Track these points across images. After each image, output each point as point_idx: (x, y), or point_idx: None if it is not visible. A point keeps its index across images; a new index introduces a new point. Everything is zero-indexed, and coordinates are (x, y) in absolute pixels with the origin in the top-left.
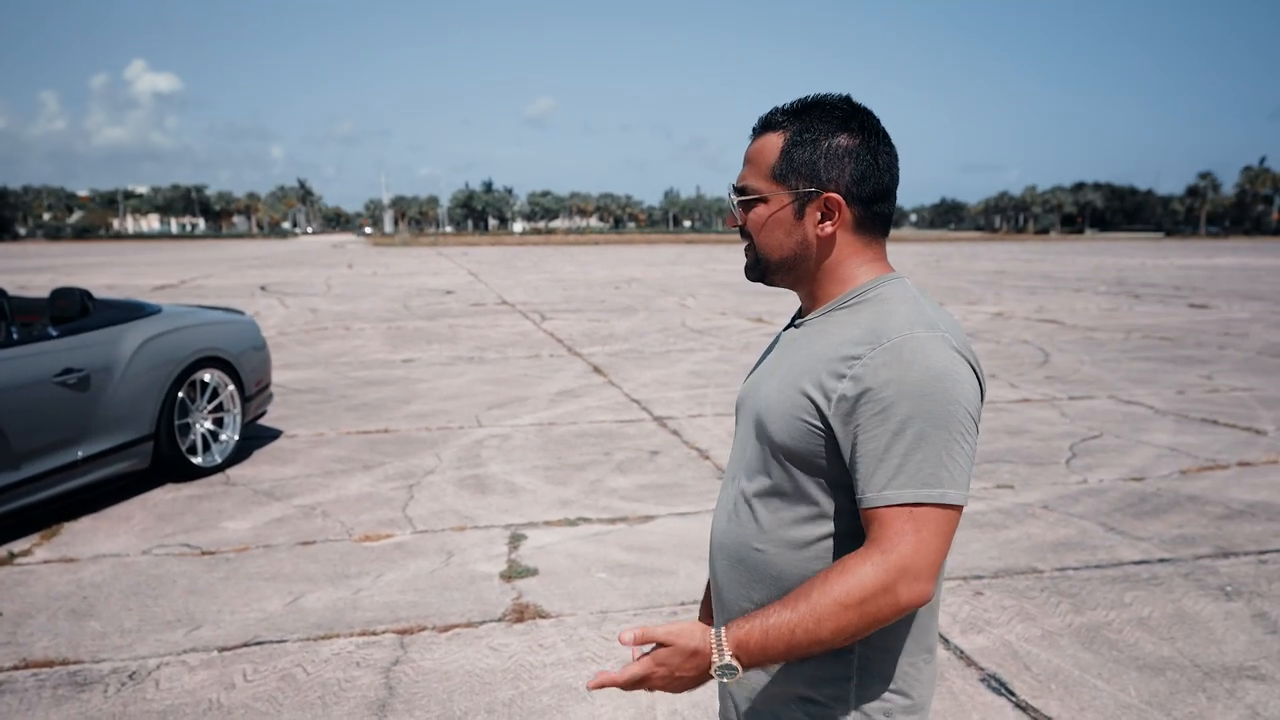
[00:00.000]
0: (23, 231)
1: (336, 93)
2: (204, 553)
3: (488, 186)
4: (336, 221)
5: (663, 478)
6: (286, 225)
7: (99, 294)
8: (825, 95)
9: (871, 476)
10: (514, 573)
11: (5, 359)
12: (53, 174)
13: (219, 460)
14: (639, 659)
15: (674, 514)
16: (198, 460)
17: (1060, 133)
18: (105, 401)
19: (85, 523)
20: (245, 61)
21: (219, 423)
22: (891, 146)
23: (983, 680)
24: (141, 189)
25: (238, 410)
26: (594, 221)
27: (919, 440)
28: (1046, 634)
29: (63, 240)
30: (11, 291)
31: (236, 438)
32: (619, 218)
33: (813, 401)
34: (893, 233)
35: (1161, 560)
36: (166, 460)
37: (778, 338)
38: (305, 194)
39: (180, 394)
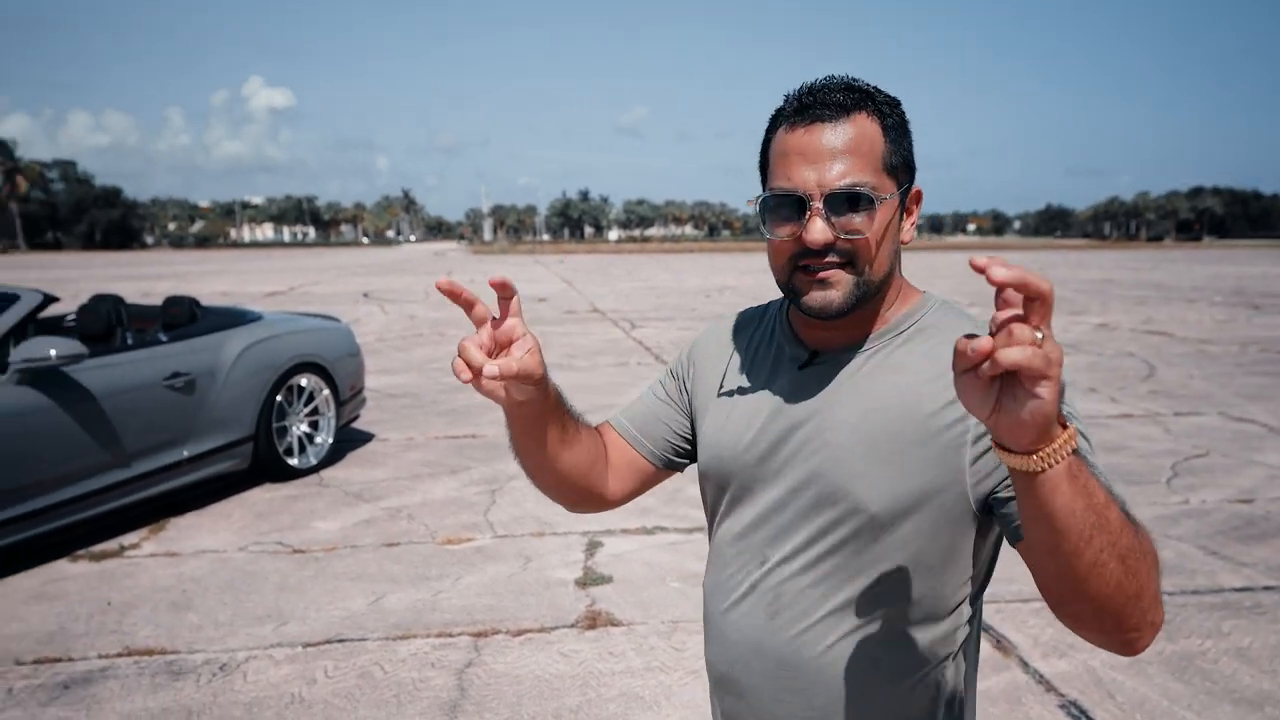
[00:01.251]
0: (150, 240)
1: (439, 105)
2: (295, 551)
3: (584, 195)
4: (438, 230)
5: None
6: (391, 234)
7: (207, 302)
8: (850, 78)
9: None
10: (589, 579)
11: (118, 363)
12: (177, 186)
13: (314, 462)
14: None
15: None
16: (294, 461)
17: (1176, 134)
18: (209, 404)
19: (189, 519)
20: (354, 77)
21: (314, 426)
22: None
23: (1062, 707)
24: (257, 200)
25: (332, 414)
26: (689, 229)
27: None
28: (1135, 661)
29: (185, 249)
30: (132, 299)
31: (331, 440)
32: (714, 225)
33: (933, 454)
34: (995, 239)
35: (1267, 588)
36: (265, 461)
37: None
38: (409, 203)
39: (278, 398)
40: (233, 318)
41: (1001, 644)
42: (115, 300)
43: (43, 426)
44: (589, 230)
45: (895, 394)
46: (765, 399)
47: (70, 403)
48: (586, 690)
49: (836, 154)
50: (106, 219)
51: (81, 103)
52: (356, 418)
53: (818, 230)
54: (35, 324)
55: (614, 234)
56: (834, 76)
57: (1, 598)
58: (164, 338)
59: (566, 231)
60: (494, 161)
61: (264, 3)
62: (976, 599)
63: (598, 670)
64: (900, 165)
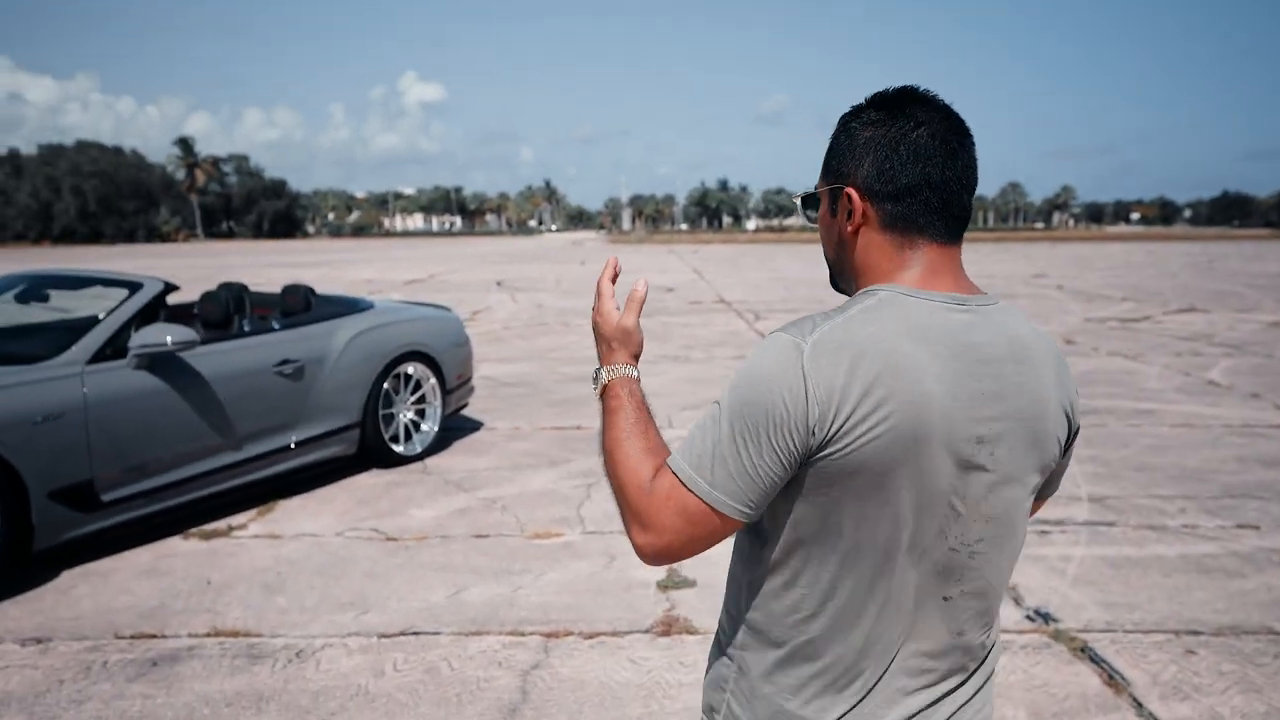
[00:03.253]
0: (311, 229)
1: (580, 96)
2: (388, 538)
3: (722, 184)
4: (579, 219)
5: None
6: (532, 223)
7: (345, 289)
8: (889, 87)
9: None
10: (671, 582)
11: (231, 350)
12: (337, 178)
13: (419, 450)
14: (616, 312)
15: None
16: (399, 449)
17: None
18: (317, 390)
19: (296, 502)
20: (501, 72)
21: (421, 414)
22: (925, 135)
23: None
24: (408, 190)
25: (438, 402)
26: None
27: (704, 415)
28: (1273, 710)
29: (342, 237)
30: (257, 287)
31: (436, 429)
32: None
33: None
34: (1161, 229)
35: None
36: (371, 448)
37: None
38: (550, 193)
39: (386, 385)
40: (345, 306)
41: (1114, 680)
42: (239, 288)
43: (159, 409)
44: (727, 220)
45: None
46: None
47: (185, 387)
48: (650, 702)
49: None
50: (273, 209)
51: (255, 100)
52: (464, 406)
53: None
54: (165, 310)
55: (751, 224)
56: (885, 91)
57: (118, 570)
58: (276, 325)
59: (704, 221)
60: (633, 151)
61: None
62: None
63: (665, 681)
64: (828, 169)
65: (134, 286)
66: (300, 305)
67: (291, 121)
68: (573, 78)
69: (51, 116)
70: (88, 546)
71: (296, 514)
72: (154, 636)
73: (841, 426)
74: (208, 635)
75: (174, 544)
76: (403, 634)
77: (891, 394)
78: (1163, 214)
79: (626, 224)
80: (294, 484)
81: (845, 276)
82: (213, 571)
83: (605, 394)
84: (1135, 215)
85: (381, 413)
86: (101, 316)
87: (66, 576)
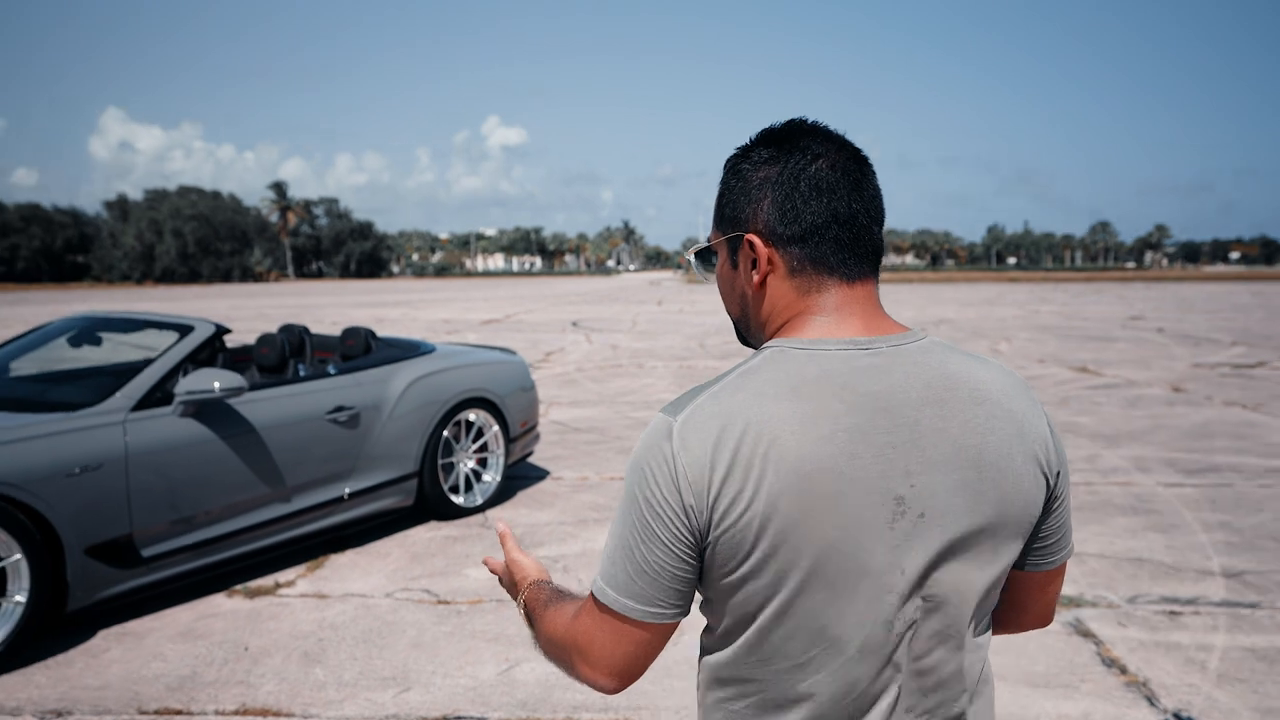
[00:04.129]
0: (395, 270)
1: (660, 137)
2: (439, 601)
3: None
4: (656, 259)
5: None
6: (610, 263)
7: (421, 331)
8: (778, 122)
9: None
10: None
11: (284, 395)
12: (421, 219)
13: (480, 501)
14: (499, 561)
15: None
16: (459, 500)
17: None
18: (373, 439)
19: (348, 557)
20: (582, 114)
21: (483, 463)
22: (824, 166)
23: None
24: (490, 231)
25: (501, 451)
26: (909, 259)
27: (615, 516)
28: None
29: (425, 277)
30: (365, 324)
31: (499, 479)
32: (936, 255)
33: None
34: (1264, 269)
35: None
36: (429, 499)
37: None
38: (628, 233)
39: (445, 433)
40: (405, 350)
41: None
42: (301, 330)
43: (205, 459)
44: None
45: None
46: None
47: (232, 436)
48: None
49: None
50: (360, 250)
51: (347, 146)
52: (529, 454)
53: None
54: (225, 353)
55: None
56: (774, 127)
57: (155, 631)
58: (332, 370)
59: None
60: (710, 191)
61: (505, 47)
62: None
63: None
64: (721, 217)
65: (184, 330)
66: (360, 349)
67: (379, 165)
68: (653, 119)
69: (158, 163)
70: (127, 605)
71: (347, 571)
72: (179, 713)
73: (718, 507)
74: (236, 713)
75: (217, 602)
76: (445, 719)
77: (768, 463)
78: (1265, 253)
79: None
80: (347, 537)
81: (753, 332)
82: (252, 636)
83: (527, 611)
84: (1235, 254)
85: (441, 462)
86: (149, 360)
87: (101, 637)
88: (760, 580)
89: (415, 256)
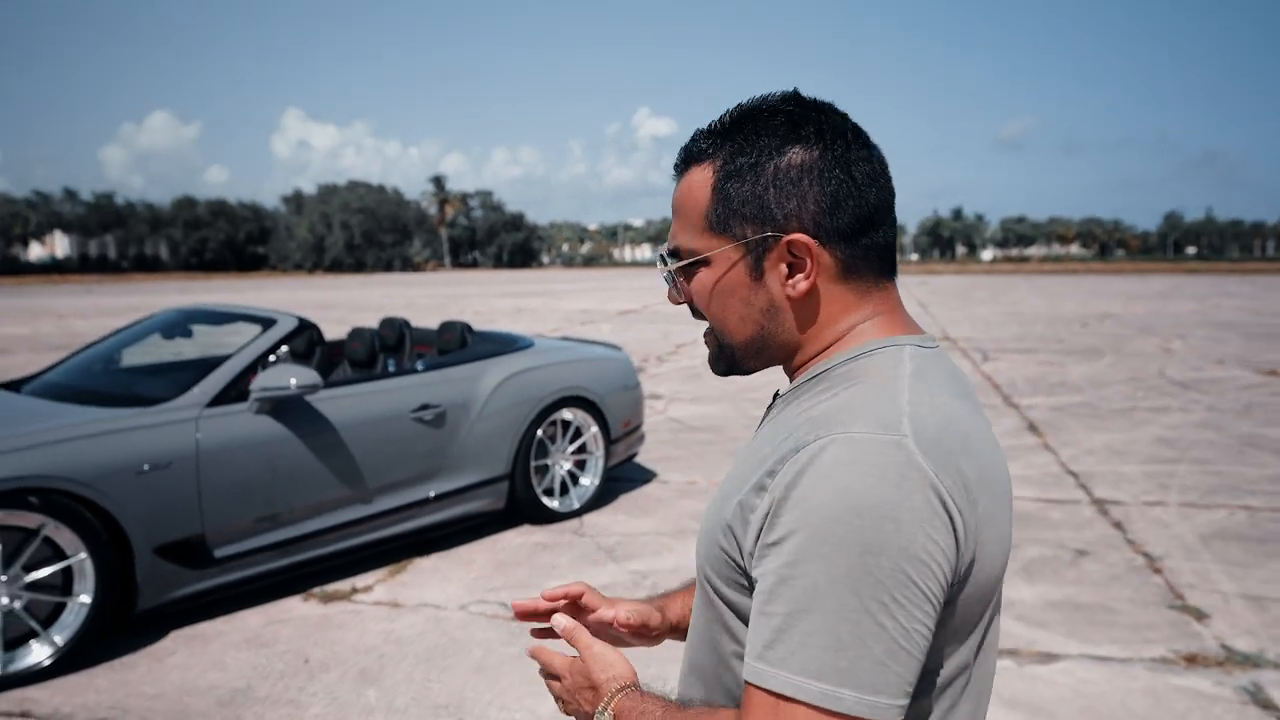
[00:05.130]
0: (545, 260)
1: None
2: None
3: (956, 213)
4: None
5: (1085, 593)
6: None
7: (562, 323)
8: (763, 98)
9: (751, 630)
10: None
11: (367, 392)
12: (573, 210)
13: (576, 505)
14: (561, 657)
15: (1089, 656)
16: (554, 504)
17: None
18: (461, 438)
19: (432, 561)
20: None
21: (580, 465)
22: (871, 149)
23: None
24: (637, 222)
25: (600, 453)
26: (1075, 249)
27: (812, 598)
28: None
29: (573, 268)
30: (504, 314)
31: (597, 482)
32: (1105, 244)
33: (733, 528)
34: None
35: None
36: (521, 502)
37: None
38: None
39: (539, 433)
40: (500, 345)
41: None
42: (401, 324)
43: (280, 458)
44: (961, 250)
45: (759, 445)
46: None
47: (309, 434)
48: None
49: (673, 213)
50: (513, 241)
51: (503, 140)
52: (633, 456)
53: (668, 292)
54: (322, 347)
55: (988, 254)
56: (767, 97)
57: (223, 635)
58: (420, 366)
59: (936, 251)
60: None
61: (655, 38)
62: None
63: None
64: (732, 217)
65: (267, 323)
66: (456, 343)
67: (533, 158)
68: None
69: (331, 160)
70: (201, 605)
71: (427, 577)
72: None
73: (981, 537)
74: None
75: (290, 605)
76: None
77: (984, 479)
78: None
79: None
80: (435, 540)
81: (769, 353)
82: (315, 647)
83: None
84: None
85: (534, 464)
86: (228, 355)
87: (170, 639)
88: (974, 623)
89: (565, 247)
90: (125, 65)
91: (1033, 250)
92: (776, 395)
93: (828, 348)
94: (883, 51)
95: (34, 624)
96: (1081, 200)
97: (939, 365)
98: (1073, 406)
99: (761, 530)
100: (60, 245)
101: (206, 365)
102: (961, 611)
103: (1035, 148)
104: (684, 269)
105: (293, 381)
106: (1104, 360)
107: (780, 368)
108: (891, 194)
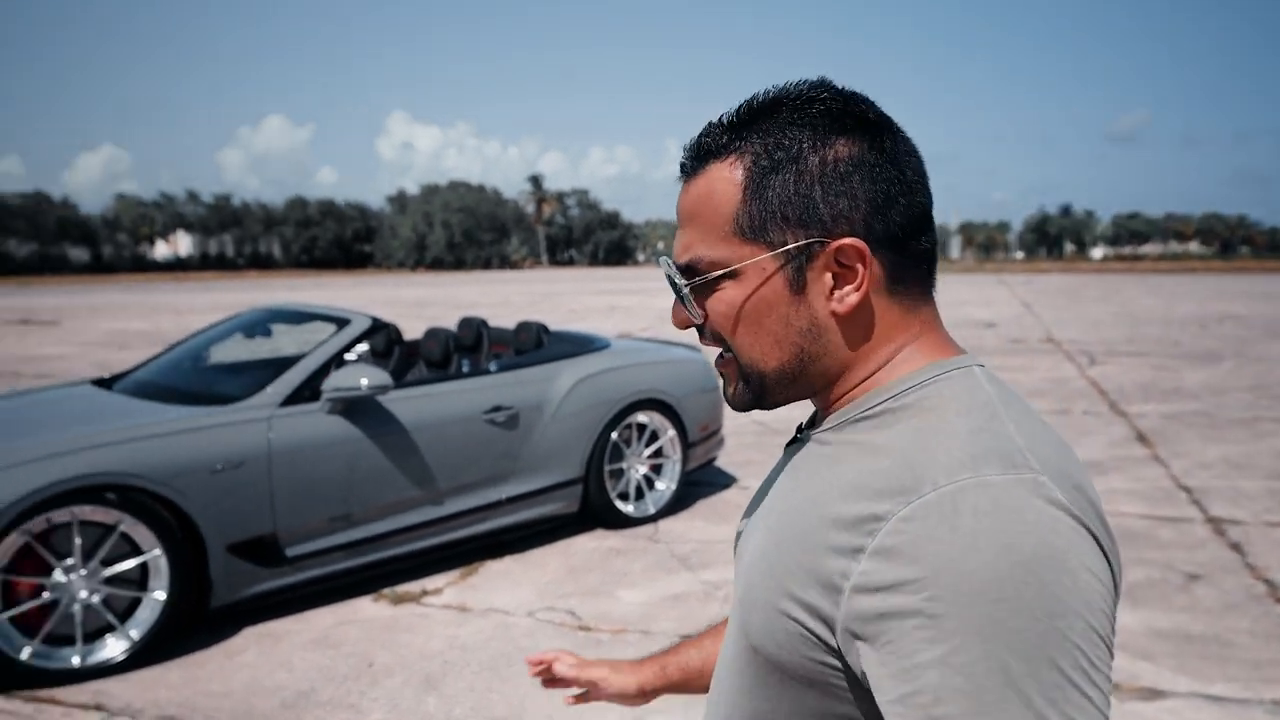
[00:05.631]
0: (641, 258)
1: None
2: (581, 626)
3: (1065, 210)
4: None
5: (1197, 623)
6: None
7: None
8: (785, 87)
9: None
10: None
11: (439, 393)
12: (667, 208)
13: (652, 510)
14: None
15: (1200, 694)
16: (628, 509)
17: None
18: (534, 441)
19: (504, 564)
20: None
21: (657, 470)
22: (912, 145)
23: None
24: None
25: (677, 457)
26: (1193, 246)
27: (1004, 685)
28: None
29: None
30: (592, 313)
31: (674, 487)
32: (1227, 241)
33: (810, 599)
34: None
35: None
36: (595, 506)
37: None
38: None
39: (614, 436)
40: (576, 346)
41: None
42: (479, 324)
43: (351, 458)
44: (1069, 248)
45: (811, 495)
46: (771, 480)
47: (381, 434)
48: None
49: (684, 220)
50: (608, 239)
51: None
52: (712, 460)
53: (673, 312)
54: (402, 347)
55: (1098, 252)
56: (789, 85)
57: (293, 634)
58: (493, 367)
59: (1044, 249)
60: (964, 176)
61: (752, 37)
62: None
63: None
64: (770, 221)
65: (342, 323)
66: (532, 343)
67: (629, 157)
68: (903, 102)
69: (435, 160)
70: (275, 604)
71: (498, 581)
72: None
73: (1118, 583)
74: None
75: (360, 606)
76: None
77: (1096, 508)
78: None
79: (955, 252)
80: (508, 543)
81: (809, 378)
82: (381, 649)
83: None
84: None
85: (608, 467)
86: (303, 354)
87: (243, 636)
88: None
89: (660, 245)
90: (243, 72)
91: (1147, 248)
92: (801, 429)
93: (874, 373)
94: (985, 44)
95: (111, 618)
96: (1201, 195)
97: (1006, 386)
98: (1187, 415)
99: (869, 602)
100: (183, 244)
101: (281, 365)
102: None
103: (1149, 141)
104: (701, 285)
105: (363, 382)
106: (1224, 365)
107: (809, 398)
108: (931, 198)
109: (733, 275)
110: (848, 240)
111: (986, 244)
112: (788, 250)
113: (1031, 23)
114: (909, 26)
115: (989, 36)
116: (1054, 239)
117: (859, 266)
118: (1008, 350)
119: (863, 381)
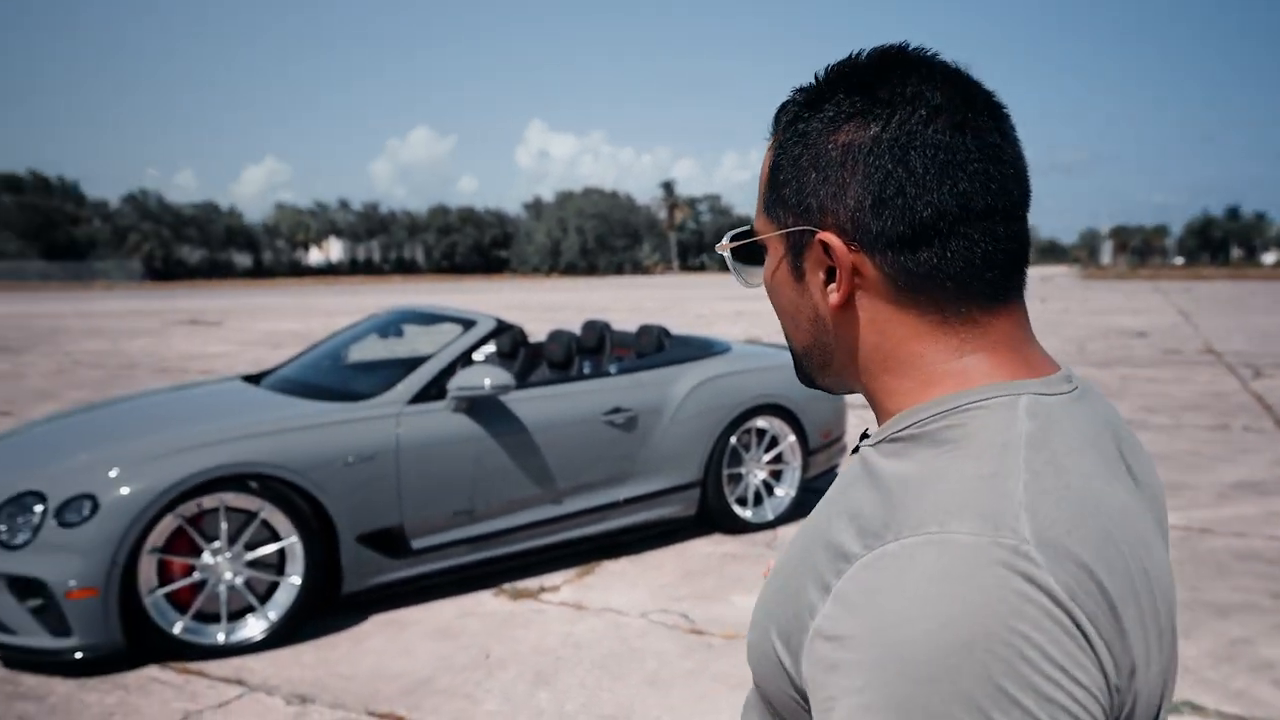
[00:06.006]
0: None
1: (1060, 120)
2: (693, 629)
3: (1232, 212)
4: (1050, 253)
5: None
6: None
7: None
8: (863, 50)
9: None
10: None
11: (559, 394)
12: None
13: (770, 517)
14: None
15: None
16: (746, 514)
17: None
18: (652, 443)
19: (620, 564)
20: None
21: (776, 475)
22: (947, 132)
23: None
24: None
25: (797, 464)
26: None
27: None
28: None
29: None
30: (703, 317)
31: (794, 494)
32: None
33: (786, 626)
34: None
35: None
36: (713, 510)
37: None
38: None
39: (733, 441)
40: (697, 349)
41: None
42: (602, 327)
43: (474, 455)
44: (1236, 253)
45: (822, 521)
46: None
47: (503, 432)
48: None
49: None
50: None
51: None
52: (834, 468)
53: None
54: (527, 348)
55: (1270, 257)
56: (864, 51)
57: (417, 623)
58: (613, 370)
59: (1207, 254)
60: (1120, 178)
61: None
62: None
63: None
64: (778, 202)
65: (468, 324)
66: (652, 346)
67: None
68: (1052, 99)
69: (570, 168)
70: (402, 593)
71: (614, 581)
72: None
73: (1137, 669)
74: None
75: (481, 600)
76: None
77: (1133, 586)
78: None
79: (1106, 258)
80: (625, 544)
81: (832, 372)
82: (498, 643)
83: None
84: None
85: (727, 472)
86: (431, 354)
87: (371, 623)
88: None
89: None
90: (393, 87)
91: None
92: (864, 437)
93: (909, 387)
94: (1143, 36)
95: (252, 599)
96: None
97: (1071, 419)
98: None
99: (824, 650)
100: (335, 250)
101: (411, 364)
102: None
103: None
104: (742, 251)
105: (487, 382)
106: None
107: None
108: (984, 192)
109: (761, 247)
110: (823, 234)
111: (1141, 249)
112: (783, 234)
113: (1191, 17)
114: (1069, 24)
115: (1144, 27)
116: (1219, 243)
117: (836, 265)
118: (1160, 361)
119: (896, 395)
